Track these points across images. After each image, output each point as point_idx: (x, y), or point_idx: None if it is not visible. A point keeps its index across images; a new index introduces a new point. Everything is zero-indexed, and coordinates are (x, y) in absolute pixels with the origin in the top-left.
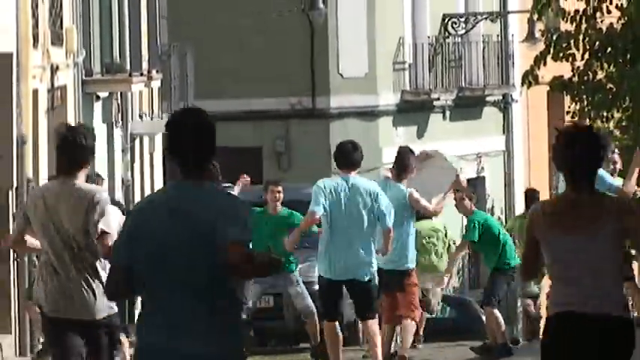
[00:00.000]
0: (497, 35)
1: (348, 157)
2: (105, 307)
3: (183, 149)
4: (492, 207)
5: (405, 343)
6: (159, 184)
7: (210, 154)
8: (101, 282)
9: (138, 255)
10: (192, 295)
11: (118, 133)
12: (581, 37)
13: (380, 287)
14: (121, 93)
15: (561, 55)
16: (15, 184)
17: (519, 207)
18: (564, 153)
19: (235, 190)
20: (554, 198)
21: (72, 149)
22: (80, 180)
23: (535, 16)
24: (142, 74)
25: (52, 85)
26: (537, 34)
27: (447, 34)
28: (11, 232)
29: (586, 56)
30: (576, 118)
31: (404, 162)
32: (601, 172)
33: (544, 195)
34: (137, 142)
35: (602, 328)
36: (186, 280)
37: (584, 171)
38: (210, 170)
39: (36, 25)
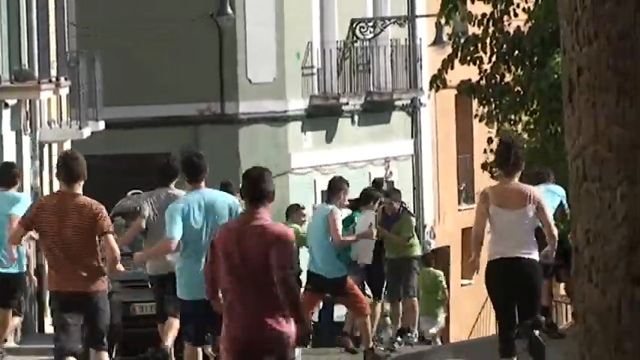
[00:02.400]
0: (405, 39)
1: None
2: None
3: None
4: None
5: (367, 337)
6: None
7: None
8: None
9: None
10: None
11: (26, 140)
12: (488, 40)
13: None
14: (29, 100)
15: (469, 58)
16: None
17: (428, 210)
18: (506, 154)
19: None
20: (497, 185)
21: None
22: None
23: (442, 20)
24: (50, 81)
25: None
26: (445, 38)
27: (355, 38)
28: None
29: (493, 59)
30: (484, 122)
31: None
32: (554, 187)
33: (452, 198)
34: (46, 149)
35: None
36: None
37: (519, 167)
38: None
39: None
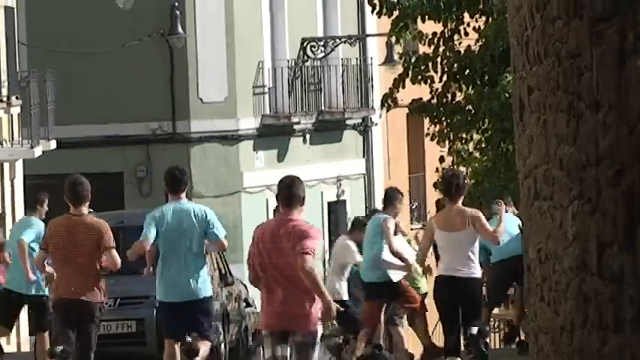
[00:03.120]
0: (357, 58)
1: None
2: None
3: None
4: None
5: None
6: (20, 211)
7: None
8: None
9: None
10: None
11: None
12: (439, 59)
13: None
14: None
15: (420, 77)
16: None
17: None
18: (448, 183)
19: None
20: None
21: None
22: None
23: (393, 39)
24: (1, 101)
25: None
26: (396, 57)
27: (306, 57)
28: None
29: (444, 78)
30: (435, 140)
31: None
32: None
33: (404, 218)
34: None
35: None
36: None
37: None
38: None
39: None
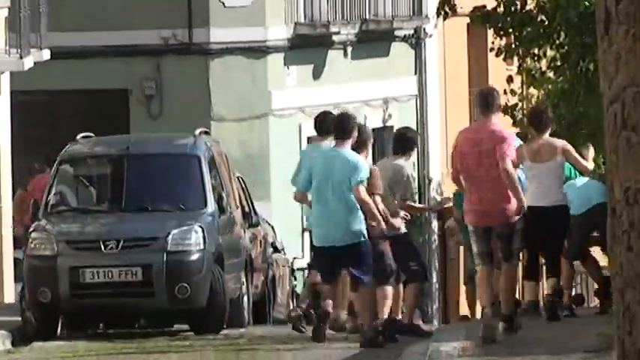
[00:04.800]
0: None
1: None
2: None
3: None
4: None
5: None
6: (4, 133)
7: None
8: None
9: None
10: None
11: None
12: None
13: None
14: None
15: None
16: None
17: (434, 161)
18: (537, 116)
19: None
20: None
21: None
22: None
23: None
24: None
25: None
26: None
27: None
28: None
29: None
30: (501, 57)
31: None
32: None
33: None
34: None
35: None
36: None
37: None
38: None
39: None
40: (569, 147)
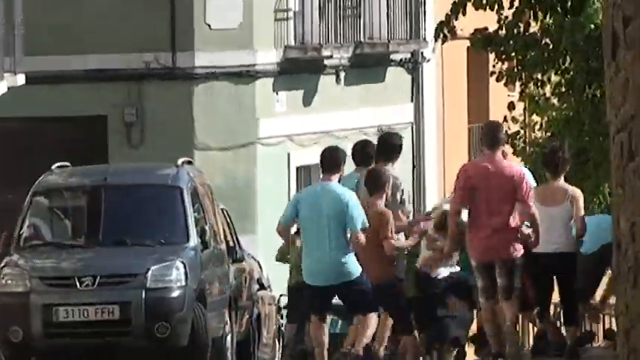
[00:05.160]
0: None
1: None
2: None
3: None
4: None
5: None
6: None
7: None
8: None
9: None
10: None
11: None
12: None
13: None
14: None
15: (485, 1)
16: None
17: (431, 193)
18: (552, 158)
19: None
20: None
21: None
22: None
23: None
24: None
25: None
26: None
27: None
28: None
29: (516, 3)
30: (503, 82)
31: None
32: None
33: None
34: None
35: None
36: None
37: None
38: None
39: None
40: (579, 197)
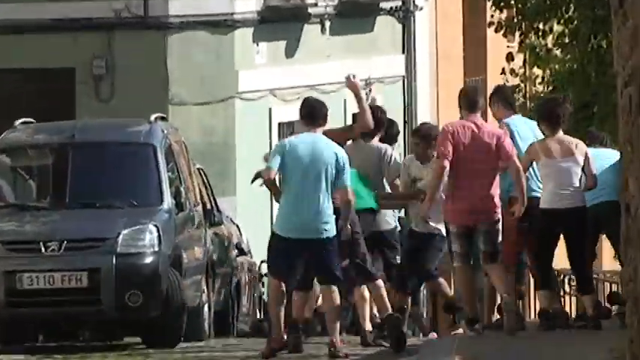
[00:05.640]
0: None
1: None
2: None
3: None
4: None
5: None
6: None
7: None
8: None
9: None
10: None
11: None
12: None
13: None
14: None
15: None
16: None
17: None
18: (554, 114)
19: None
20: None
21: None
22: None
23: None
24: None
25: None
26: None
27: None
28: None
29: None
30: (501, 32)
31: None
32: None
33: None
34: None
35: None
36: None
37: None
38: None
39: None
40: (587, 148)
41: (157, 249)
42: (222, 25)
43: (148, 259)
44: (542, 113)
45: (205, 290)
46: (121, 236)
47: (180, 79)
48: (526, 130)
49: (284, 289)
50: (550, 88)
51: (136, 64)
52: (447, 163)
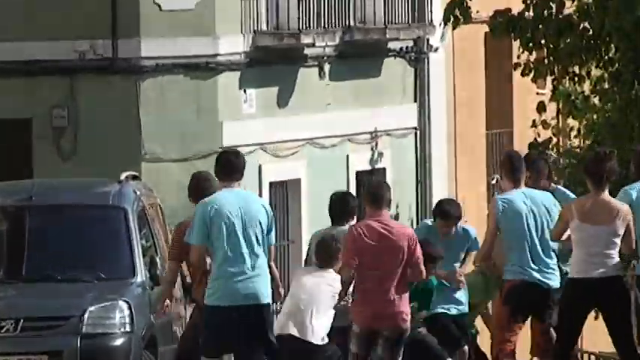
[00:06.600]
0: None
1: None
2: None
3: None
4: (397, 214)
5: None
6: None
7: None
8: None
9: None
10: None
11: None
12: None
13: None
14: None
15: None
16: None
17: None
18: (597, 169)
19: None
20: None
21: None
22: None
23: None
24: None
25: None
26: None
27: None
28: None
29: None
30: (530, 76)
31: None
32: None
33: (477, 197)
34: None
35: None
36: None
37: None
38: None
39: None
40: (630, 213)
41: (128, 329)
42: (204, 68)
43: (118, 341)
44: (585, 171)
45: None
46: (86, 314)
47: (154, 132)
48: (519, 205)
49: None
50: (587, 142)
51: (104, 114)
52: (351, 273)
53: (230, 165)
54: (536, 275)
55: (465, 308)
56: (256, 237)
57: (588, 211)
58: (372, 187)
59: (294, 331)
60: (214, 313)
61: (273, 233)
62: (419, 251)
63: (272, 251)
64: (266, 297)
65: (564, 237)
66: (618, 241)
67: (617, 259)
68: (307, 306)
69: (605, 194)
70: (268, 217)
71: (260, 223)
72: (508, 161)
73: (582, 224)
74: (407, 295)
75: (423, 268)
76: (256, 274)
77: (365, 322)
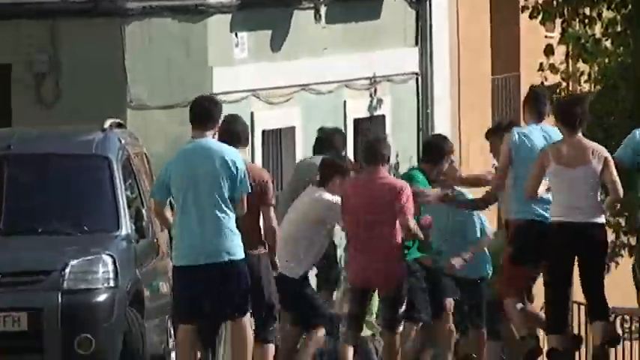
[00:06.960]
0: None
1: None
2: None
3: None
4: (397, 163)
5: None
6: None
7: None
8: None
9: None
10: None
11: None
12: None
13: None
14: None
15: None
16: None
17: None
18: (570, 113)
19: None
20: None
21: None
22: None
23: None
24: None
25: None
26: None
27: None
28: None
29: None
30: (538, 19)
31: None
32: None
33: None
34: None
35: None
36: None
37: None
38: None
39: None
40: (609, 155)
41: (112, 284)
42: (193, 11)
43: (102, 297)
44: (557, 114)
45: (172, 334)
46: (68, 269)
47: (140, 77)
48: (539, 139)
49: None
50: (598, 86)
51: (87, 59)
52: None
53: (203, 112)
54: (544, 213)
55: (481, 273)
56: (217, 192)
57: (565, 155)
58: (368, 143)
59: None
60: (176, 273)
61: (243, 185)
62: (405, 201)
63: (243, 201)
64: (226, 254)
65: (543, 188)
66: (597, 181)
67: (597, 203)
68: None
69: (579, 136)
70: (234, 170)
71: (223, 178)
72: (532, 95)
73: (560, 168)
74: (398, 253)
75: (408, 220)
76: (215, 230)
77: (355, 280)
